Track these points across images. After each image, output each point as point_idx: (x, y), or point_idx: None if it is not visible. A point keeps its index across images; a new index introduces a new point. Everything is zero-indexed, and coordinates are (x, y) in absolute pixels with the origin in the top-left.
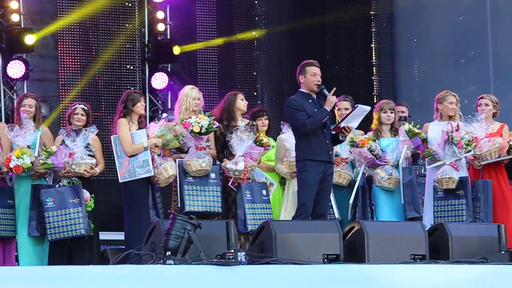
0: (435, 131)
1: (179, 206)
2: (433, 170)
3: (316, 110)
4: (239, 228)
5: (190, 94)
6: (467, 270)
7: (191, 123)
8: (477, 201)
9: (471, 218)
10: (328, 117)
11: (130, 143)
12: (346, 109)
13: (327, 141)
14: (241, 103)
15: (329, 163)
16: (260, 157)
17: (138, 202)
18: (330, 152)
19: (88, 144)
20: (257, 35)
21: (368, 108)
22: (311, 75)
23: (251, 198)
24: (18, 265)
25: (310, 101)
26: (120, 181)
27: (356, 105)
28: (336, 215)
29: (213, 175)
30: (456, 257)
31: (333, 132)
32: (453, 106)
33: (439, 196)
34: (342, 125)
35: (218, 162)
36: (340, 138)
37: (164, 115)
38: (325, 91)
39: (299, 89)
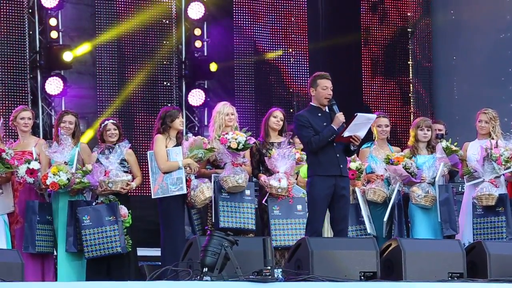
0: (474, 148)
1: (213, 221)
2: (471, 187)
3: (325, 124)
4: None
5: (222, 110)
6: None
7: (228, 139)
8: None
9: (511, 235)
10: (334, 135)
11: (165, 159)
12: (387, 125)
13: (337, 155)
14: (272, 120)
15: (340, 177)
16: (293, 172)
17: (173, 218)
18: (342, 166)
19: (123, 159)
20: (293, 52)
21: (373, 116)
22: (322, 89)
23: (280, 214)
24: (57, 280)
25: (319, 114)
26: (152, 197)
27: (355, 114)
28: (369, 230)
29: (248, 192)
30: (494, 276)
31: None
32: (482, 125)
33: (478, 213)
34: (345, 134)
35: (254, 179)
36: (352, 148)
37: (190, 134)
38: (335, 108)
39: (310, 103)
